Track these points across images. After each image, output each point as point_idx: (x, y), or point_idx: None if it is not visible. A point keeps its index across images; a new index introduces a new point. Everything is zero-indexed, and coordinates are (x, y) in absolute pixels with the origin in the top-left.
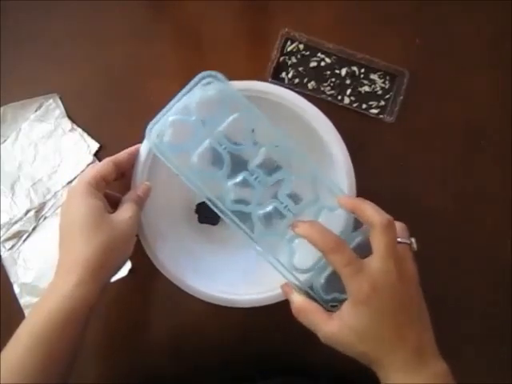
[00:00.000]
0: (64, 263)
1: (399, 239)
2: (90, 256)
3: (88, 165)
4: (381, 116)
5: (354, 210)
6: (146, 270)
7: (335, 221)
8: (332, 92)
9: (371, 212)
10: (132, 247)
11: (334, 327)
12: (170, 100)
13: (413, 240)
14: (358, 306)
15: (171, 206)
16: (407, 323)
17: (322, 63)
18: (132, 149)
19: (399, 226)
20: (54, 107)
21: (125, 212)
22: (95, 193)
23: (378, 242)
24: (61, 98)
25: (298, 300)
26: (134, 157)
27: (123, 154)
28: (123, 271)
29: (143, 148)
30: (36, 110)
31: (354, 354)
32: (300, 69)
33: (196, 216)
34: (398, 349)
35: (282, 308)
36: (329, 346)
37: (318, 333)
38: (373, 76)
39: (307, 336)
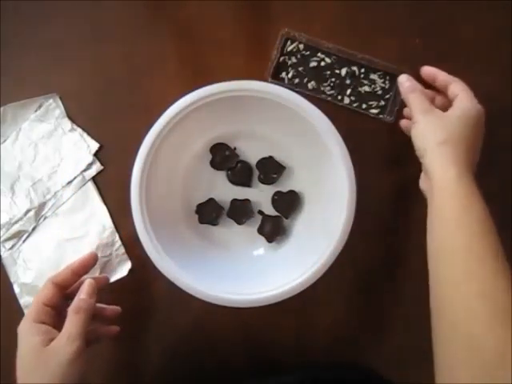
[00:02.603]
0: None
1: None
2: None
3: (88, 164)
4: (381, 116)
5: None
6: (145, 269)
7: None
8: (332, 92)
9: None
10: (79, 366)
11: (436, 114)
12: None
13: None
14: (464, 110)
15: (171, 206)
16: (477, 151)
17: (322, 63)
18: (73, 266)
19: None
20: (53, 107)
21: (63, 335)
22: (34, 327)
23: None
24: (61, 98)
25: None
26: (82, 269)
27: (65, 271)
28: (123, 271)
29: (143, 149)
30: (36, 110)
31: (424, 143)
32: (300, 69)
33: (196, 216)
34: (468, 156)
35: (282, 308)
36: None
37: (417, 115)
38: (373, 76)
39: (307, 336)
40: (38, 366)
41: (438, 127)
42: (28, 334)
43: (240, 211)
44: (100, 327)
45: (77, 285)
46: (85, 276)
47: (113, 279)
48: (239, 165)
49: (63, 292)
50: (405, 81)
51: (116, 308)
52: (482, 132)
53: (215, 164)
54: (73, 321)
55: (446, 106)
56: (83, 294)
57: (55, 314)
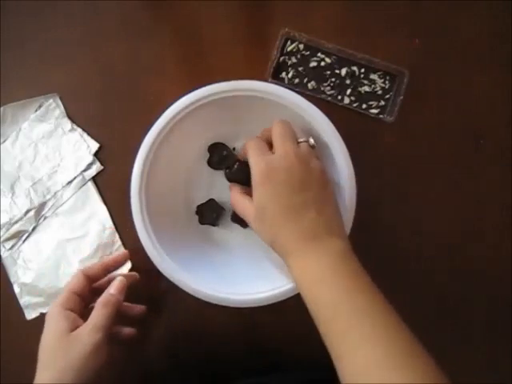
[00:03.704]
0: None
1: (299, 140)
2: (48, 381)
3: (88, 164)
4: (381, 116)
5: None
6: (146, 270)
7: None
8: (332, 92)
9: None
10: (98, 358)
11: (247, 209)
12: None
13: (311, 139)
14: (258, 187)
15: (171, 207)
16: (304, 204)
17: (322, 63)
18: (106, 262)
19: (292, 127)
20: (53, 107)
21: (88, 324)
22: (62, 313)
23: (273, 136)
24: (61, 98)
25: (234, 191)
26: (113, 265)
27: (97, 265)
28: (123, 271)
29: (143, 149)
30: (36, 110)
31: (266, 242)
32: (300, 69)
33: (196, 217)
34: (292, 227)
35: (282, 308)
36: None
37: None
38: (373, 76)
39: (307, 335)
40: (59, 348)
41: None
42: (56, 318)
43: None
44: (121, 329)
45: (104, 280)
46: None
47: None
48: (237, 164)
49: (91, 284)
50: None
51: (142, 307)
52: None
53: (213, 163)
54: (99, 313)
55: None
56: (113, 290)
57: (83, 304)
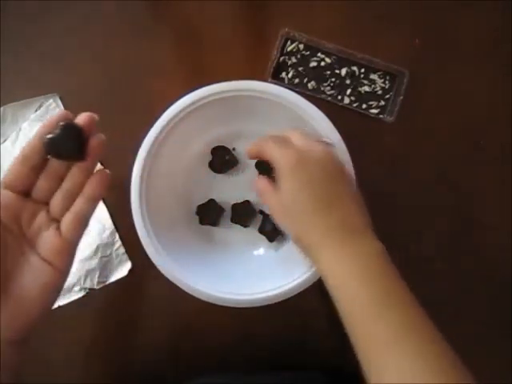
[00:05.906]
0: None
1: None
2: None
3: None
4: (381, 116)
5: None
6: (145, 269)
7: None
8: (332, 92)
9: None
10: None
11: (273, 201)
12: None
13: (328, 139)
14: (287, 178)
15: (172, 207)
16: (339, 196)
17: (322, 63)
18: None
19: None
20: (54, 107)
21: None
22: None
23: (293, 136)
24: (61, 98)
25: (261, 181)
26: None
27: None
28: (123, 271)
29: (143, 149)
30: (36, 110)
31: (293, 234)
32: (300, 69)
33: (197, 217)
34: (326, 218)
35: (282, 308)
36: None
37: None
38: (373, 76)
39: (307, 336)
40: None
41: (281, 217)
42: None
43: (243, 214)
44: None
45: None
46: None
47: (113, 279)
48: (61, 126)
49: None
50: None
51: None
52: (321, 173)
53: (214, 166)
54: None
55: None
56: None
57: None
